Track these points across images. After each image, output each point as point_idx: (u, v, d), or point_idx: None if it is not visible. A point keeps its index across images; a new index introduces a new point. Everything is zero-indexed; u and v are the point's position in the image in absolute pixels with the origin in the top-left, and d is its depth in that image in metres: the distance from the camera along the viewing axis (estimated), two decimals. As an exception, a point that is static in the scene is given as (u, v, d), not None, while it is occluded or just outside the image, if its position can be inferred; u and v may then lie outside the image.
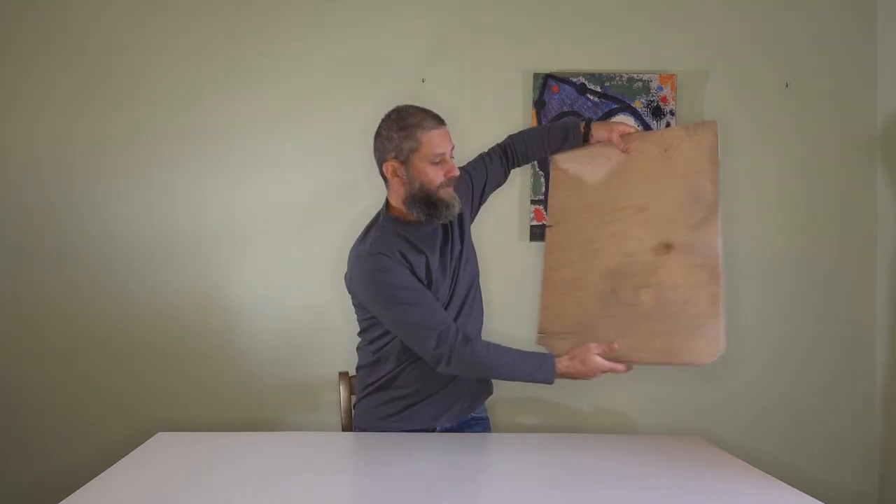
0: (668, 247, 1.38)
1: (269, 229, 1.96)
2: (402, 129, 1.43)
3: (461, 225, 1.55)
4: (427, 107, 1.43)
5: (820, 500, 1.10)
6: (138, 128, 1.95)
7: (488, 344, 1.40)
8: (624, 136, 1.51)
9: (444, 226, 1.51)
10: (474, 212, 1.62)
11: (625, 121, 1.95)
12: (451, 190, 1.43)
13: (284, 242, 1.96)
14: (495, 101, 1.98)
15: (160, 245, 1.95)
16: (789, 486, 1.18)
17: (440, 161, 1.42)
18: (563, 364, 1.36)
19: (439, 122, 1.43)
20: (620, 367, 1.35)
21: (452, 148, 1.44)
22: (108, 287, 1.94)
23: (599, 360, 1.35)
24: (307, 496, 1.12)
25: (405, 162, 1.43)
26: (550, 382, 1.37)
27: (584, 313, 1.47)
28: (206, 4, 1.96)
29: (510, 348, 1.39)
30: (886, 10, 1.98)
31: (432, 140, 1.41)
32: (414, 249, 1.44)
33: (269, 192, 1.97)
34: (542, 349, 1.47)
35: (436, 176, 1.42)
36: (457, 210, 1.44)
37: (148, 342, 1.94)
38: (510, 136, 1.65)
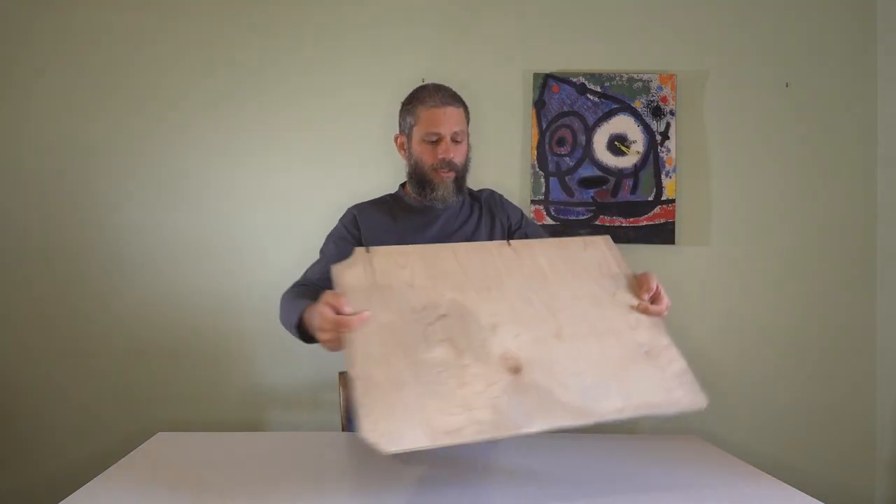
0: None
1: (269, 230, 1.96)
2: (409, 102, 1.47)
3: (491, 230, 1.52)
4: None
5: (820, 500, 1.10)
6: (147, 129, 1.96)
7: (299, 288, 1.35)
8: None
9: (462, 221, 1.50)
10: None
11: (624, 121, 1.95)
12: (446, 175, 1.43)
13: (285, 243, 1.96)
14: (495, 101, 1.98)
15: (161, 246, 1.95)
16: (789, 486, 1.18)
17: (436, 141, 1.42)
18: (308, 310, 1.14)
19: (446, 102, 1.43)
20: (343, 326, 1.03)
21: (459, 132, 1.43)
22: (107, 287, 1.94)
23: (326, 311, 1.03)
24: (307, 496, 1.11)
25: (408, 137, 1.47)
26: (295, 334, 1.20)
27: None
28: (213, 10, 1.96)
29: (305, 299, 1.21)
30: (886, 10, 1.98)
31: (429, 117, 1.42)
32: (386, 222, 1.47)
33: (270, 193, 1.97)
34: None
35: (428, 155, 1.43)
36: (448, 200, 1.45)
37: (148, 342, 1.94)
38: None
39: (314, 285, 1.38)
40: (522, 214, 1.59)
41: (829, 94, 2.00)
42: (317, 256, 1.49)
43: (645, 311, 1.21)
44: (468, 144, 1.53)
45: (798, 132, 2.00)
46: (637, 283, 1.24)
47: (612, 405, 1.08)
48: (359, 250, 1.18)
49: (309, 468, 1.26)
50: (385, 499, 1.10)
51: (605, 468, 1.28)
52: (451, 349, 1.09)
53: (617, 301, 1.23)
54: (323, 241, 1.50)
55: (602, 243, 1.30)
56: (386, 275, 1.16)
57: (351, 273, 1.15)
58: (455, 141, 1.45)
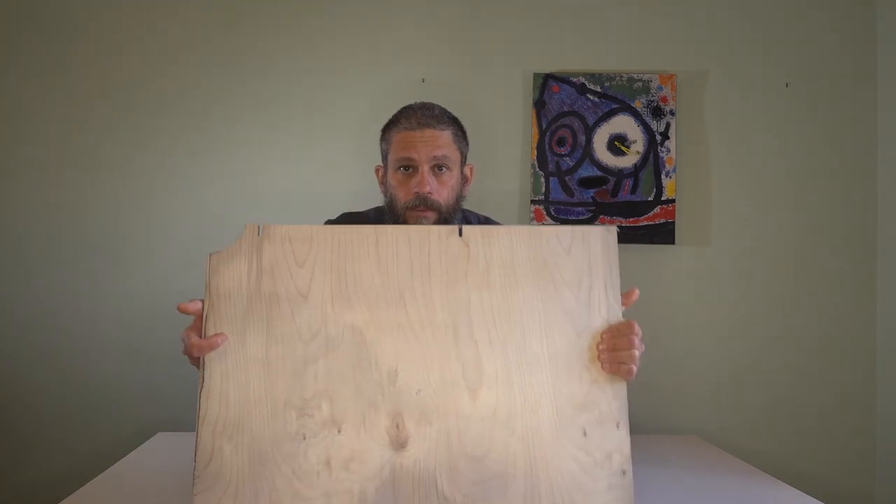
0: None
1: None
2: (385, 127, 1.25)
3: None
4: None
5: (820, 499, 1.10)
6: (143, 130, 1.95)
7: None
8: None
9: None
10: None
11: (624, 121, 1.95)
12: (421, 215, 1.15)
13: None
14: (495, 101, 1.98)
15: (161, 246, 1.95)
16: (789, 486, 1.18)
17: (410, 171, 1.16)
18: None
19: (424, 123, 1.18)
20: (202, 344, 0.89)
21: (442, 157, 1.17)
22: (107, 287, 1.94)
23: (192, 337, 0.91)
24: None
25: (385, 167, 1.25)
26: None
27: None
28: (210, 13, 1.96)
29: None
30: (886, 10, 1.98)
31: (401, 141, 1.17)
32: None
33: (269, 194, 1.97)
34: None
35: (401, 189, 1.17)
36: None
37: (148, 342, 1.94)
38: None
39: None
40: None
41: (829, 94, 2.00)
42: None
43: (603, 362, 0.92)
44: (463, 174, 1.28)
45: (798, 132, 2.00)
46: (613, 330, 0.93)
47: None
48: (248, 228, 0.95)
49: (309, 468, 1.26)
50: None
51: (605, 468, 1.28)
52: (328, 406, 0.88)
53: (578, 345, 0.93)
54: None
55: (598, 241, 0.95)
56: (275, 276, 0.91)
57: (229, 271, 0.94)
58: (438, 169, 1.18)
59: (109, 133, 1.95)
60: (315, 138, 1.97)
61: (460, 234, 0.93)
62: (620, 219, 1.94)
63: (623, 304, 0.95)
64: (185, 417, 1.93)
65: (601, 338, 0.93)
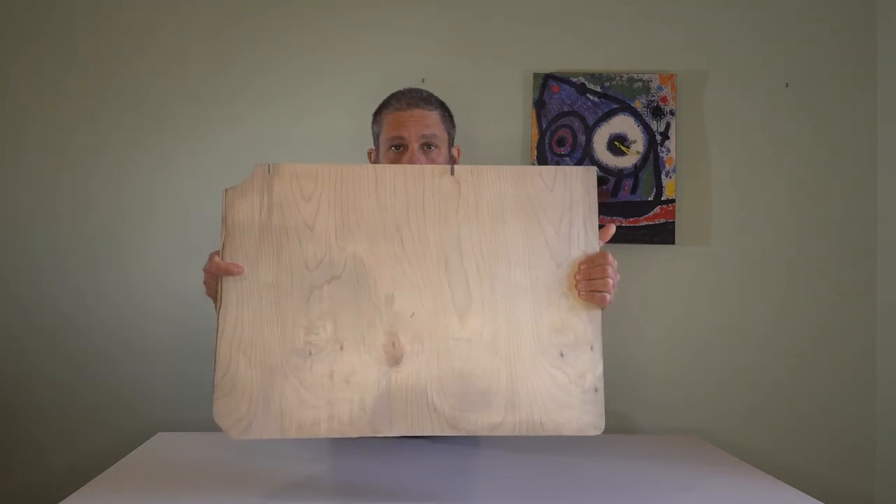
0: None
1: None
2: (377, 110, 1.30)
3: None
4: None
5: (820, 500, 1.10)
6: (143, 130, 1.95)
7: None
8: None
9: None
10: None
11: (624, 121, 1.95)
12: None
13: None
14: (495, 101, 1.98)
15: (161, 246, 1.95)
16: (789, 486, 1.18)
17: (401, 150, 1.22)
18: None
19: (413, 103, 1.24)
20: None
21: (431, 136, 1.23)
22: (107, 287, 1.94)
23: (215, 258, 1.04)
24: (307, 496, 1.11)
25: (377, 149, 1.31)
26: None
27: None
28: (210, 11, 1.96)
29: None
30: (886, 10, 1.98)
31: (392, 121, 1.24)
32: None
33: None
34: None
35: None
36: None
37: (148, 342, 1.94)
38: None
39: None
40: None
41: (829, 94, 2.00)
42: None
43: (580, 290, 1.00)
44: (451, 154, 1.33)
45: (798, 132, 2.00)
46: (590, 260, 1.01)
47: (487, 420, 0.99)
48: (259, 167, 1.02)
49: (309, 468, 1.26)
50: (385, 499, 1.10)
51: (605, 468, 1.28)
52: (331, 326, 0.99)
53: (558, 275, 1.02)
54: None
55: (579, 180, 1.03)
56: (284, 210, 1.00)
57: (243, 205, 1.01)
58: (427, 147, 1.24)
59: (110, 132, 1.95)
60: (315, 138, 1.97)
61: (452, 174, 1.02)
62: (620, 219, 1.94)
63: (601, 238, 1.03)
64: (185, 417, 1.93)
65: (578, 268, 1.01)
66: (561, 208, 1.02)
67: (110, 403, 1.94)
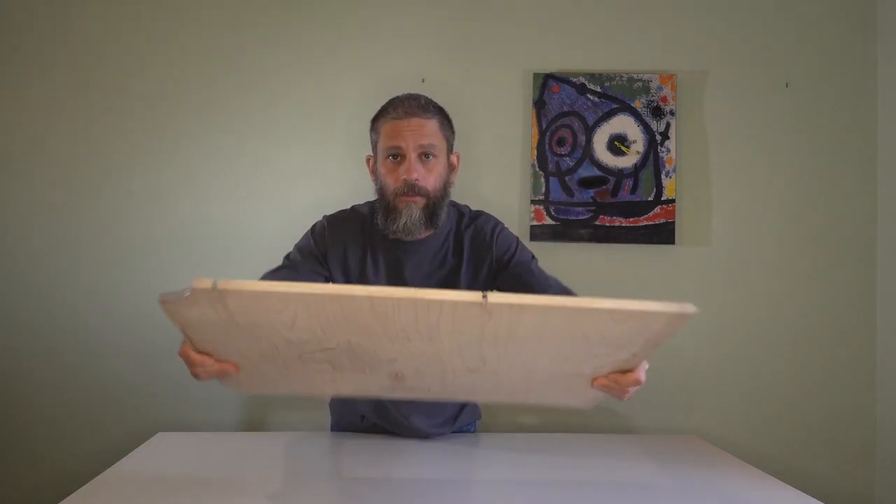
0: None
1: (269, 230, 1.96)
2: (374, 118, 1.29)
3: (458, 271, 1.27)
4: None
5: (820, 500, 1.10)
6: (146, 134, 1.95)
7: None
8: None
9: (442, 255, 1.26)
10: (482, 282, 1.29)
11: (624, 121, 1.95)
12: (412, 201, 1.19)
13: (283, 243, 1.96)
14: (495, 101, 1.98)
15: (161, 246, 1.95)
16: (789, 486, 1.18)
17: (399, 159, 1.21)
18: None
19: (411, 112, 1.21)
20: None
21: (429, 146, 1.21)
22: (107, 287, 1.94)
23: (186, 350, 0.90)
24: (307, 496, 1.11)
25: (375, 156, 1.29)
26: None
27: None
28: (214, 14, 1.96)
29: None
30: (886, 10, 1.98)
31: (390, 130, 1.22)
32: (356, 244, 1.29)
33: (269, 194, 1.97)
34: None
35: (391, 177, 1.21)
36: (413, 231, 1.21)
37: (148, 342, 1.94)
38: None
39: None
40: (517, 243, 1.32)
41: (829, 94, 2.00)
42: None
43: (600, 382, 0.91)
44: (450, 163, 1.30)
45: (798, 132, 2.00)
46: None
47: (494, 398, 1.00)
48: (198, 286, 0.75)
49: (309, 468, 1.26)
50: (385, 499, 1.10)
51: (605, 468, 1.28)
52: (330, 370, 0.89)
53: (589, 364, 0.88)
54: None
55: (664, 321, 0.79)
56: (251, 315, 0.79)
57: (191, 312, 0.80)
58: (425, 156, 1.22)
59: (113, 136, 1.95)
60: (315, 137, 1.97)
61: (484, 303, 0.73)
62: (620, 219, 1.94)
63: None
64: (185, 417, 1.93)
65: (608, 375, 0.91)
66: (626, 336, 0.81)
67: (110, 403, 1.94)
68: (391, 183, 1.22)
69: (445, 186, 1.27)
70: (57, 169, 1.95)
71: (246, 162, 1.97)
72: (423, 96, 1.28)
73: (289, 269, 1.29)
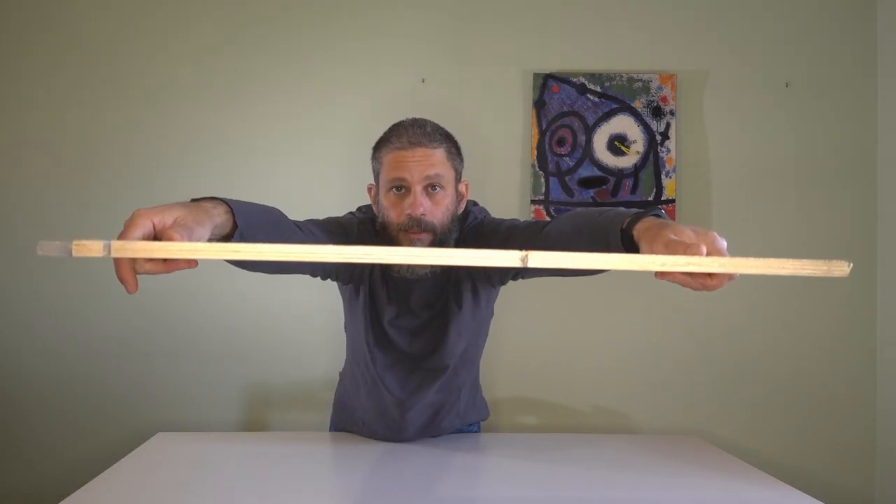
0: None
1: (269, 229, 1.96)
2: (376, 145, 1.18)
3: (458, 288, 1.20)
4: (428, 111, 1.31)
5: (820, 500, 1.10)
6: (144, 135, 1.96)
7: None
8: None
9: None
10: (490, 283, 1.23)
11: (624, 121, 1.95)
12: (415, 237, 1.10)
13: (284, 242, 1.96)
14: (495, 101, 1.98)
15: (160, 245, 1.95)
16: (789, 486, 1.18)
17: (402, 191, 1.11)
18: None
19: (416, 141, 1.11)
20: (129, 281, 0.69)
21: (436, 176, 1.11)
22: (107, 287, 1.94)
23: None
24: (307, 496, 1.11)
25: (377, 186, 1.19)
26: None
27: None
28: (212, 15, 1.96)
29: None
30: (886, 10, 1.98)
31: (393, 161, 1.12)
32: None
33: (270, 195, 1.97)
34: None
35: (394, 210, 1.12)
36: (418, 270, 1.14)
37: (148, 342, 1.94)
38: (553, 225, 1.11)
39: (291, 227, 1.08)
40: (504, 223, 1.22)
41: (829, 94, 2.00)
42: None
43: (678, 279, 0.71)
44: (458, 191, 1.20)
45: (798, 132, 2.00)
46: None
47: None
48: (86, 252, 0.64)
49: (309, 468, 1.26)
50: (385, 499, 1.10)
51: (605, 468, 1.28)
52: None
53: None
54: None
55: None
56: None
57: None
58: (431, 188, 1.12)
59: (114, 137, 1.95)
60: (316, 137, 1.97)
61: None
62: (620, 219, 1.94)
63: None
64: (185, 417, 1.93)
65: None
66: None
67: (110, 403, 1.94)
68: (394, 218, 1.12)
69: (453, 219, 1.17)
70: (56, 169, 1.95)
71: (245, 161, 1.97)
72: (430, 122, 1.18)
73: (312, 230, 1.15)
